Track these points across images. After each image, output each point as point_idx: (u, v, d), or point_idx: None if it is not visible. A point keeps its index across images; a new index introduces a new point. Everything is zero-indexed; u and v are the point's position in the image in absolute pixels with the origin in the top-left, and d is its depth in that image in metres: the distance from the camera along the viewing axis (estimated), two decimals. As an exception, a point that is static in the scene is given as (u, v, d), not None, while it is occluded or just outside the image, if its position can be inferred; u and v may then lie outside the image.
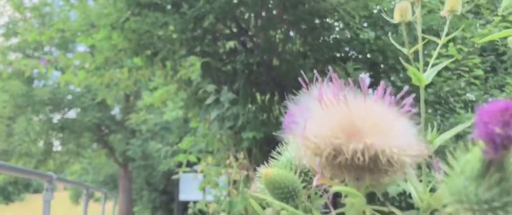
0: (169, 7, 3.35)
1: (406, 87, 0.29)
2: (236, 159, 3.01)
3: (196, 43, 3.48)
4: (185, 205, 5.97)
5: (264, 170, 0.35)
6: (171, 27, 3.42)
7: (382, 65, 3.18)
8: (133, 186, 10.37)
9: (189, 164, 4.41)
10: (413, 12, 1.33)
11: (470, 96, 2.90)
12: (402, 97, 0.29)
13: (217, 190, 3.45)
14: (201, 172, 3.42)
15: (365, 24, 2.96)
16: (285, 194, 0.34)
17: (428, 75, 1.19)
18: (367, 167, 0.27)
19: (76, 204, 11.37)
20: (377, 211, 0.29)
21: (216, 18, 3.10)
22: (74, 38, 5.02)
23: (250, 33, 3.42)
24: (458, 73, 2.56)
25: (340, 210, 0.31)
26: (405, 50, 1.32)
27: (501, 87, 2.81)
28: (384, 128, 0.28)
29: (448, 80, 2.54)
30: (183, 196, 7.94)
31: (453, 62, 2.53)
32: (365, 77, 0.29)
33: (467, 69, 2.54)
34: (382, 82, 0.30)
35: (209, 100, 3.24)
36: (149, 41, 3.60)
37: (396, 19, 1.28)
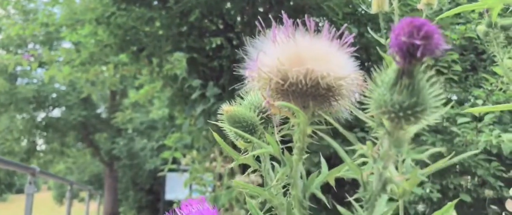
0: (155, 2, 3.35)
1: (344, 25, 0.32)
2: (221, 153, 3.03)
3: (182, 39, 3.50)
4: (171, 204, 5.94)
5: (225, 107, 0.38)
6: (157, 23, 3.42)
7: (365, 63, 3.24)
8: (118, 186, 10.27)
9: (175, 161, 4.41)
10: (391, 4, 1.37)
11: (453, 96, 2.98)
12: (340, 36, 0.33)
13: (202, 185, 3.46)
14: (186, 166, 3.42)
15: (349, 22, 3.01)
16: (244, 127, 0.38)
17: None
18: (310, 93, 0.31)
19: (60, 204, 11.18)
20: (318, 130, 0.33)
21: (202, 13, 3.12)
22: (58, 34, 4.96)
23: (236, 30, 3.45)
24: (438, 69, 2.63)
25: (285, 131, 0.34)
26: (382, 41, 1.36)
27: (480, 84, 2.89)
28: (325, 58, 0.32)
29: None
30: (169, 196, 7.91)
31: (432, 58, 2.60)
32: (311, 20, 0.33)
33: (446, 65, 2.61)
34: (326, 23, 0.33)
35: (194, 95, 3.26)
36: (135, 37, 3.60)
37: (373, 10, 1.32)
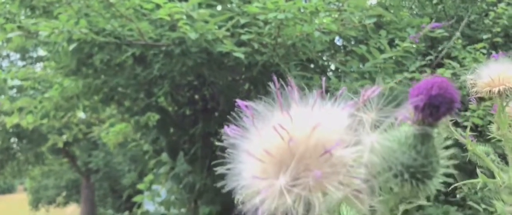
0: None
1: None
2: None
3: (153, 100, 3.28)
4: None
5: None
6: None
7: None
8: (96, 194, 10.07)
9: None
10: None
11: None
12: None
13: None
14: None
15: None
16: None
17: None
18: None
19: (36, 210, 10.87)
20: None
21: (171, 86, 2.89)
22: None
23: (211, 104, 3.23)
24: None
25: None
26: None
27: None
28: None
29: None
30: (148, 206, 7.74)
31: None
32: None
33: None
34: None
35: (162, 170, 3.06)
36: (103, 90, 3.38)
37: None
